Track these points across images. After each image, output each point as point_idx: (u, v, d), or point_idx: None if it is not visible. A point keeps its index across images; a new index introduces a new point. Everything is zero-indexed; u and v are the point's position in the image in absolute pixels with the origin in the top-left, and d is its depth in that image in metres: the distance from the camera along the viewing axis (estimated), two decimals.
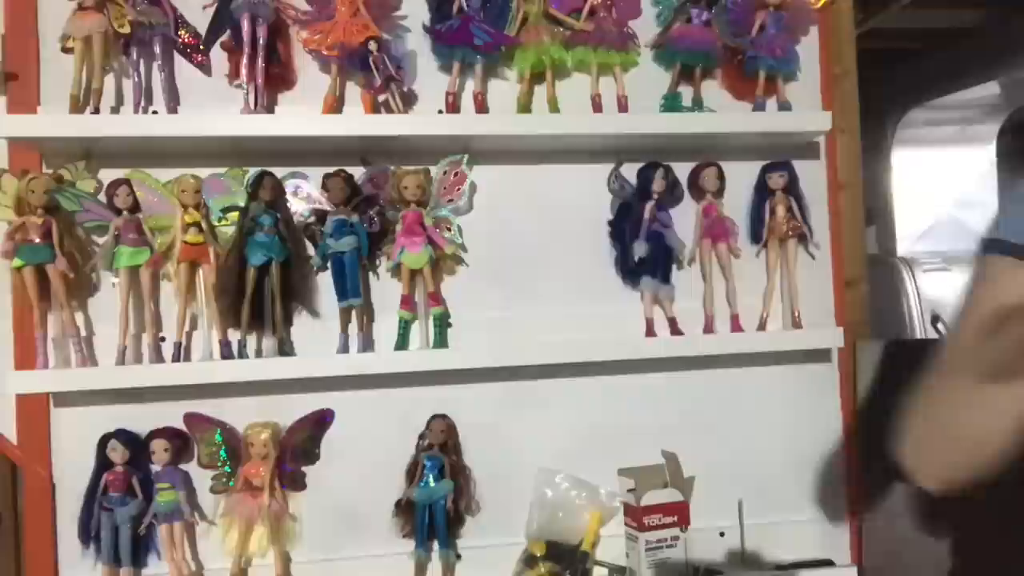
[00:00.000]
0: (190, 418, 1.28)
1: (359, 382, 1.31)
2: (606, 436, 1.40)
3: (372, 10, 1.28)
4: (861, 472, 1.45)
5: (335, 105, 1.29)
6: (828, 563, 1.42)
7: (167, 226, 1.25)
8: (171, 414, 1.28)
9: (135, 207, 1.24)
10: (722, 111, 1.41)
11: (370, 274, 1.34)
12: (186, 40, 1.29)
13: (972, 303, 0.75)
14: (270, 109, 1.29)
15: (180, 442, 1.27)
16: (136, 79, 1.26)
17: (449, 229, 1.31)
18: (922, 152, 3.51)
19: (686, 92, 1.41)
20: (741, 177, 1.41)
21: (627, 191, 1.38)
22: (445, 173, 1.32)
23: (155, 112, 1.28)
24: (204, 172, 1.26)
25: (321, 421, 1.33)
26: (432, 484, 1.29)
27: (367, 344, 1.30)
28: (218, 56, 1.29)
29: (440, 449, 1.32)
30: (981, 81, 3.13)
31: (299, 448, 1.31)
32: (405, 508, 1.31)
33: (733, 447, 1.42)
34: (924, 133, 3.48)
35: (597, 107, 1.36)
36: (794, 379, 1.45)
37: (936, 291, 3.18)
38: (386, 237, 1.30)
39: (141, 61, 1.26)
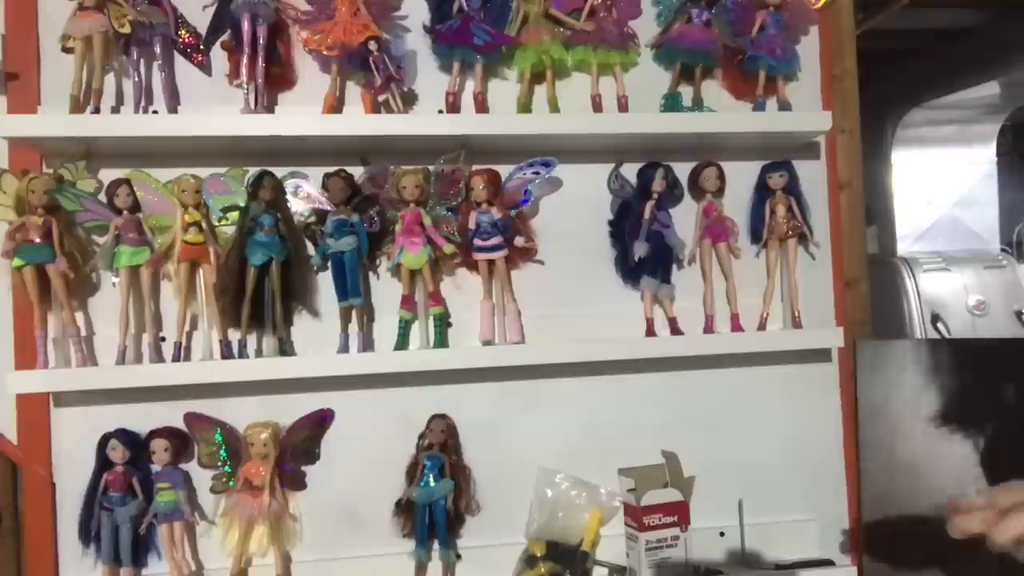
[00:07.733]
0: (190, 418, 1.28)
1: (359, 382, 1.31)
2: (606, 436, 1.40)
3: (372, 10, 1.28)
4: (861, 472, 1.45)
5: (335, 105, 1.29)
6: (828, 563, 1.42)
7: (167, 226, 1.25)
8: (171, 414, 1.27)
9: (135, 207, 1.24)
10: (722, 111, 1.41)
11: (370, 274, 1.34)
12: (186, 40, 1.29)
13: None
14: (270, 109, 1.29)
15: (180, 442, 1.27)
16: (136, 79, 1.26)
17: (448, 228, 1.31)
18: (922, 152, 3.51)
19: (686, 92, 1.41)
20: (741, 177, 1.41)
21: (627, 191, 1.38)
22: (443, 172, 1.31)
23: (155, 112, 1.28)
24: (204, 172, 1.26)
25: (321, 421, 1.33)
26: (432, 484, 1.29)
27: (367, 344, 1.30)
28: (218, 56, 1.30)
29: (440, 449, 1.31)
30: (981, 81, 3.14)
31: (299, 448, 1.31)
32: (405, 508, 1.31)
33: (733, 447, 1.42)
34: (924, 133, 3.48)
35: (597, 107, 1.36)
36: (794, 379, 1.45)
37: (936, 291, 3.18)
38: (386, 237, 1.30)
39: (141, 61, 1.26)
